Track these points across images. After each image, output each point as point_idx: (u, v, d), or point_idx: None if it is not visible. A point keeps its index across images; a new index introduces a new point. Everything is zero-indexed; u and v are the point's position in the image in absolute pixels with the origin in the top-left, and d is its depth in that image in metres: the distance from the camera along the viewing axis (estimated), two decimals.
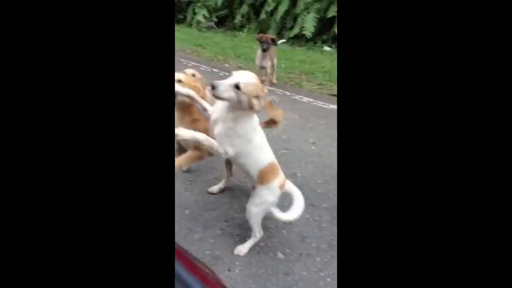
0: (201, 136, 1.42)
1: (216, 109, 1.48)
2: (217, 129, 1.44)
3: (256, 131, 1.49)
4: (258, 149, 1.51)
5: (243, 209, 1.79)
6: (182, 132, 1.41)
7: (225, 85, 1.30)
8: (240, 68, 4.78)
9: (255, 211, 1.57)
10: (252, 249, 1.67)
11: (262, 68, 3.78)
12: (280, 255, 1.65)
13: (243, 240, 1.70)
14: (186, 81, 1.77)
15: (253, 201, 1.57)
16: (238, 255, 1.62)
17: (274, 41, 3.65)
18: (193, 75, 2.15)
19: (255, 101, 1.33)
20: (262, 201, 1.56)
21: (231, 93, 1.30)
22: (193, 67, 4.64)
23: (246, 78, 1.33)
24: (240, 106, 1.34)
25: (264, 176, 1.53)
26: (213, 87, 1.29)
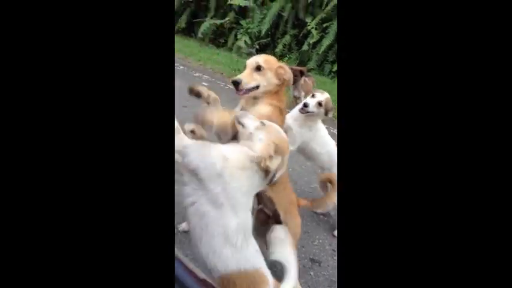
0: None
1: None
2: None
3: None
4: None
5: None
6: None
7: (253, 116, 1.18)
8: None
9: None
10: None
11: (296, 98, 3.92)
12: None
13: None
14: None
15: None
16: None
17: (302, 74, 3.79)
18: None
19: (271, 151, 1.06)
20: None
21: (253, 123, 1.14)
22: (230, 90, 4.88)
23: (276, 125, 1.18)
24: (251, 146, 1.08)
25: None
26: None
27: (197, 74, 5.50)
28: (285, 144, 1.07)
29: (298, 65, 6.76)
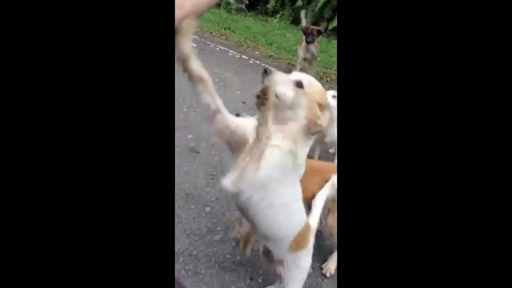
0: None
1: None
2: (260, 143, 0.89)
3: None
4: (298, 199, 1.07)
5: None
6: None
7: (283, 76, 0.94)
8: (271, 57, 4.70)
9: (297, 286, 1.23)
10: None
11: (306, 60, 3.76)
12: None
13: None
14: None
15: (294, 275, 1.18)
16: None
17: (320, 33, 3.64)
18: None
19: (317, 112, 0.95)
20: (305, 269, 1.21)
21: (288, 90, 0.93)
22: (220, 51, 4.61)
23: (310, 79, 0.99)
24: (294, 116, 0.95)
25: (301, 240, 1.13)
26: (266, 73, 0.92)
27: None
28: (324, 95, 1.02)
29: (292, 22, 6.42)
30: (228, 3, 7.25)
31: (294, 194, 1.04)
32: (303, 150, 0.98)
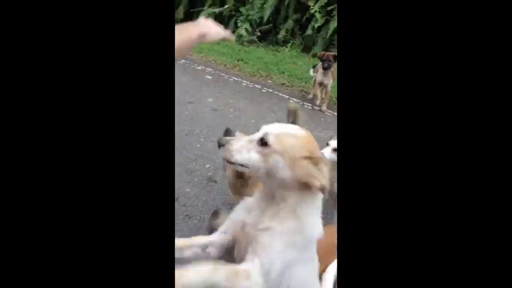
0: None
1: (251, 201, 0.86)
2: (263, 236, 0.78)
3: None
4: (314, 276, 0.91)
5: None
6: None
7: (240, 141, 0.78)
8: (283, 86, 4.77)
9: None
10: None
11: (322, 85, 3.78)
12: None
13: None
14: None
15: None
16: None
17: (336, 59, 3.69)
18: None
19: (309, 169, 0.76)
20: None
21: (251, 155, 0.77)
22: (234, 82, 4.73)
23: (283, 129, 0.79)
24: (280, 183, 0.77)
25: None
26: (220, 145, 0.78)
27: (200, 67, 5.30)
28: (311, 145, 0.85)
29: (303, 51, 6.57)
30: (240, 36, 7.53)
31: (311, 273, 0.87)
32: (311, 217, 0.79)
